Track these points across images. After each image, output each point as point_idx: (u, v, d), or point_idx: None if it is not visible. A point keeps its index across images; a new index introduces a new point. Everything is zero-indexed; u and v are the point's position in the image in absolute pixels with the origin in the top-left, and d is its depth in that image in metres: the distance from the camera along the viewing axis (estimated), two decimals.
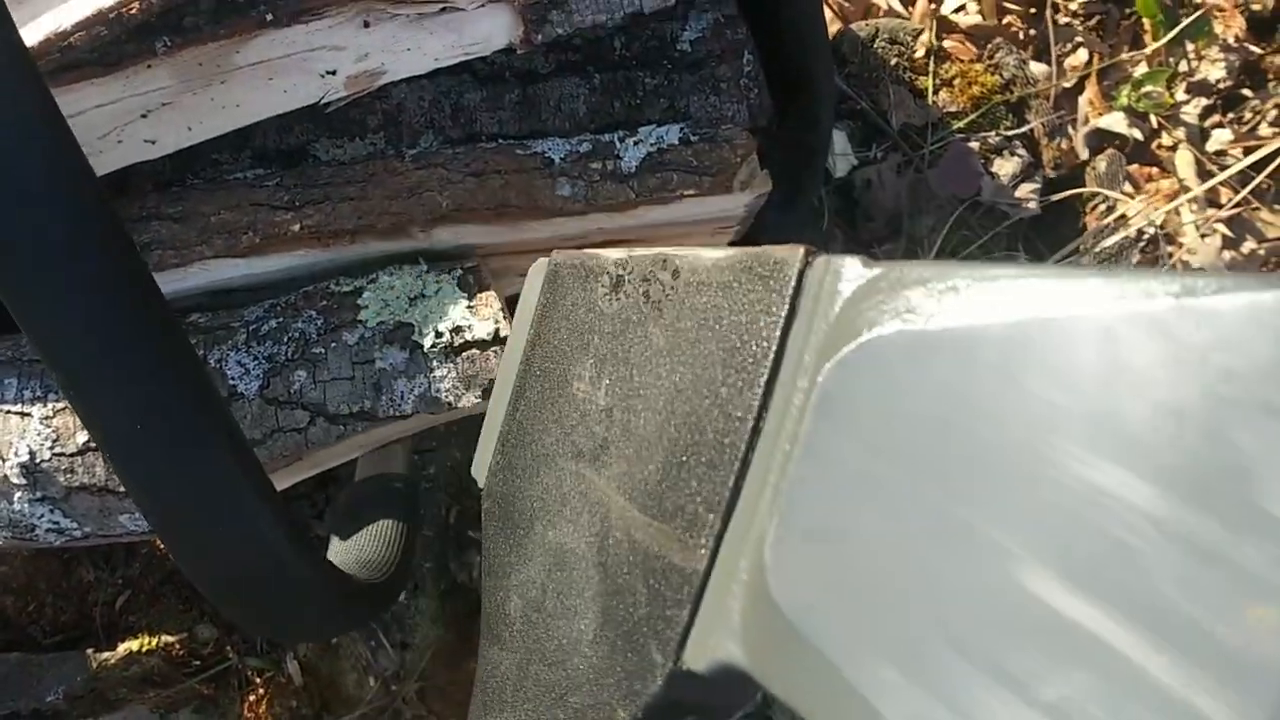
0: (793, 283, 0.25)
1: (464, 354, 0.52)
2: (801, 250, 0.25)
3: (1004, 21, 1.14)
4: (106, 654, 0.71)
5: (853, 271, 0.24)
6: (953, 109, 0.78)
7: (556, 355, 0.31)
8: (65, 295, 0.31)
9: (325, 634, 0.55)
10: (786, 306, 0.24)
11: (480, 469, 0.33)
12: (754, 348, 0.25)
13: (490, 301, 0.53)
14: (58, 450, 0.54)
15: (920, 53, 0.78)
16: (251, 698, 0.74)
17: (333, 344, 0.53)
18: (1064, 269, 0.21)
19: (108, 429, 0.33)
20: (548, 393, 0.31)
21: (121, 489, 0.54)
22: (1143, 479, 0.18)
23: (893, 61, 0.78)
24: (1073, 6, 1.15)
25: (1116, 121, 1.11)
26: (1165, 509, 0.17)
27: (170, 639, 0.73)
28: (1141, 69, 1.13)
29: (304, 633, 0.44)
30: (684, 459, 0.26)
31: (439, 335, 0.52)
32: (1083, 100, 1.09)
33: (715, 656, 0.24)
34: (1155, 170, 1.14)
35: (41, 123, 0.30)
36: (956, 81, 0.79)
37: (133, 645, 0.72)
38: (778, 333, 0.25)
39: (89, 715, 0.72)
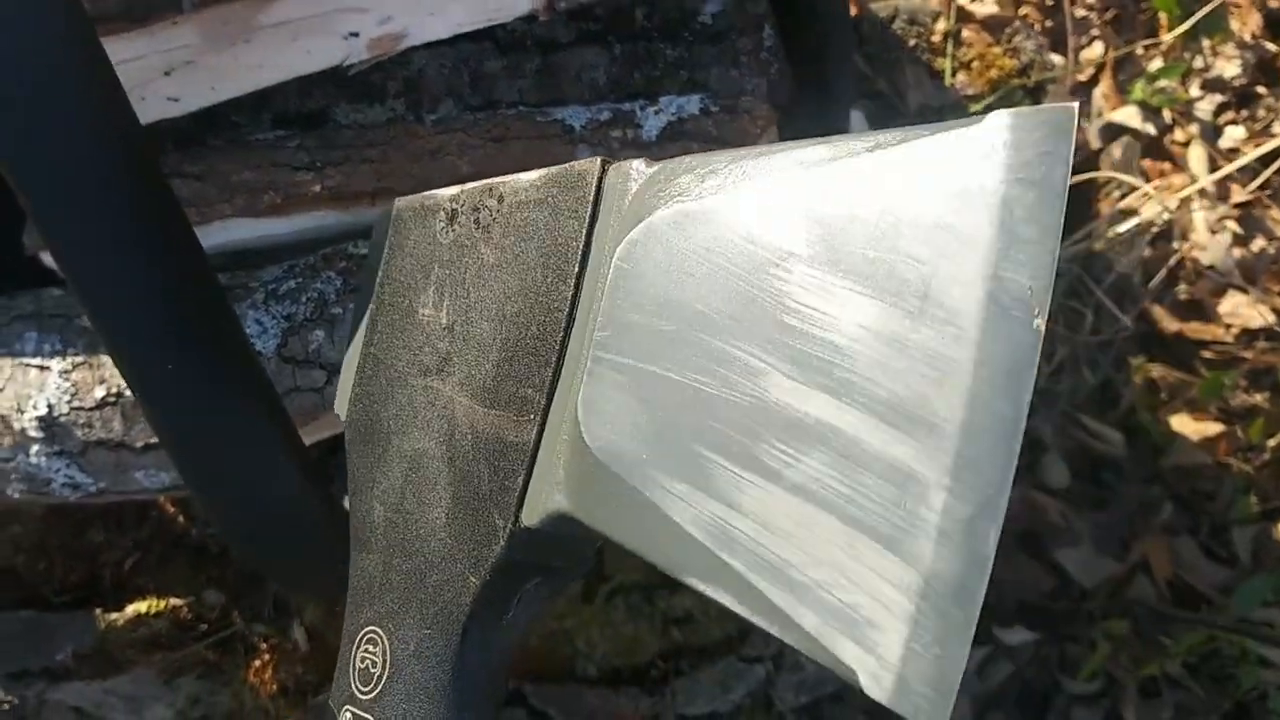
0: (593, 187, 0.29)
1: None
2: (599, 160, 0.29)
3: (1020, 12, 1.14)
4: (115, 615, 0.72)
5: (638, 170, 0.28)
6: (970, 91, 0.78)
7: (402, 288, 0.34)
8: (109, 240, 0.31)
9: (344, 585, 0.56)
10: (589, 208, 0.29)
11: (341, 403, 0.36)
12: (565, 247, 0.29)
13: None
14: (76, 404, 0.54)
15: (938, 35, 0.78)
16: (257, 663, 0.74)
17: (351, 305, 0.53)
18: (798, 141, 0.25)
19: (140, 369, 0.33)
20: (396, 323, 0.34)
21: (138, 444, 0.55)
22: (851, 292, 0.23)
23: (911, 42, 0.78)
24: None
25: (1130, 115, 1.11)
26: (868, 314, 0.22)
27: (178, 602, 0.73)
28: (1156, 63, 1.13)
29: (323, 582, 0.44)
30: (514, 353, 0.30)
31: None
32: (1097, 93, 1.09)
33: (546, 509, 0.28)
34: (1168, 165, 1.14)
35: (96, 72, 0.31)
36: (974, 64, 0.79)
37: (141, 607, 0.73)
38: (583, 231, 0.29)
39: (96, 676, 0.72)
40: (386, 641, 0.31)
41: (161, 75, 0.54)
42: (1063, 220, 0.21)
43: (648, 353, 0.26)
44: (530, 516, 0.29)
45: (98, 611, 0.72)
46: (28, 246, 0.57)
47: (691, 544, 0.24)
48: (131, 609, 0.73)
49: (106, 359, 0.55)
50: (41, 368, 0.55)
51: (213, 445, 0.35)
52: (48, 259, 0.59)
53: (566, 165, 0.30)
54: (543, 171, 0.31)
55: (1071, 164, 0.21)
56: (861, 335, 0.22)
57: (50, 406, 0.54)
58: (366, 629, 0.32)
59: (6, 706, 0.72)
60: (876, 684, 0.20)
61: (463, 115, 0.58)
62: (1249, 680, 0.97)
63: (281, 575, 0.41)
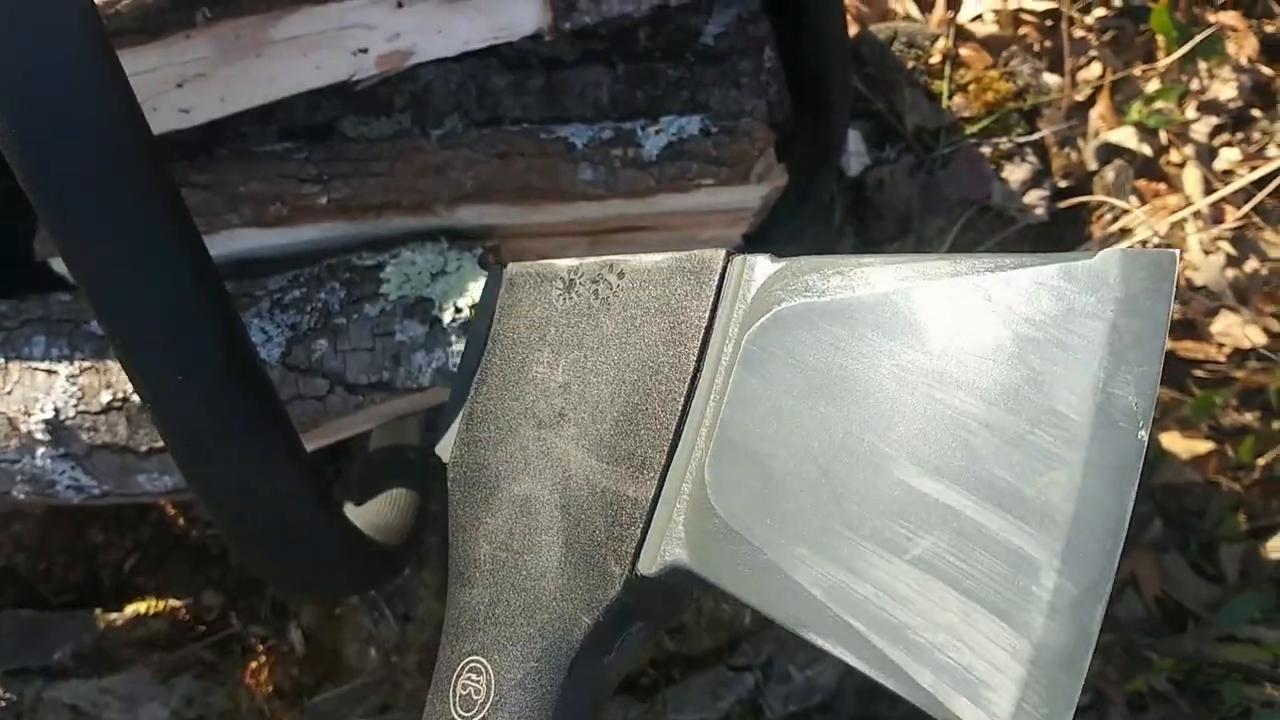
0: (717, 275, 0.32)
1: None
2: (723, 251, 0.33)
3: (1019, 32, 1.15)
4: (114, 615, 0.72)
5: (764, 265, 0.32)
6: (966, 114, 0.79)
7: (515, 345, 0.37)
8: (120, 247, 0.32)
9: (343, 589, 0.56)
10: (713, 293, 0.32)
11: (445, 447, 0.38)
12: (688, 325, 0.33)
13: None
14: (82, 408, 0.55)
15: (936, 57, 0.80)
16: (253, 664, 0.75)
17: (354, 315, 0.54)
18: (917, 255, 0.28)
19: (150, 378, 0.34)
20: (509, 377, 0.37)
21: (142, 449, 0.56)
22: (972, 394, 0.26)
23: (909, 65, 0.80)
24: (1088, 20, 1.16)
25: (1126, 136, 1.12)
26: (988, 414, 0.25)
27: (176, 603, 0.74)
28: (1153, 85, 1.14)
29: (323, 586, 0.45)
30: (634, 416, 0.33)
31: (458, 311, 0.54)
32: (1094, 113, 1.10)
33: (664, 561, 0.31)
34: (1163, 186, 1.15)
35: (111, 83, 0.32)
36: (971, 87, 0.80)
37: (140, 607, 0.73)
38: (706, 312, 0.32)
39: (94, 674, 0.73)
40: (491, 672, 0.33)
41: (174, 87, 0.55)
42: (1164, 348, 0.23)
43: (776, 429, 0.29)
44: (647, 566, 0.31)
45: (97, 611, 0.73)
46: (38, 252, 0.58)
47: (812, 603, 0.27)
48: (130, 609, 0.74)
49: (113, 364, 0.56)
50: (49, 372, 0.56)
51: (218, 451, 0.36)
52: (57, 265, 0.60)
53: (692, 252, 0.34)
54: (667, 255, 0.34)
55: (1172, 302, 0.24)
56: (982, 431, 0.25)
57: (57, 410, 0.55)
58: (470, 658, 0.34)
59: (4, 704, 0.72)
60: None
61: (468, 131, 0.59)
62: (1233, 697, 0.98)
63: (282, 579, 0.42)
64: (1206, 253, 1.14)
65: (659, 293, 0.34)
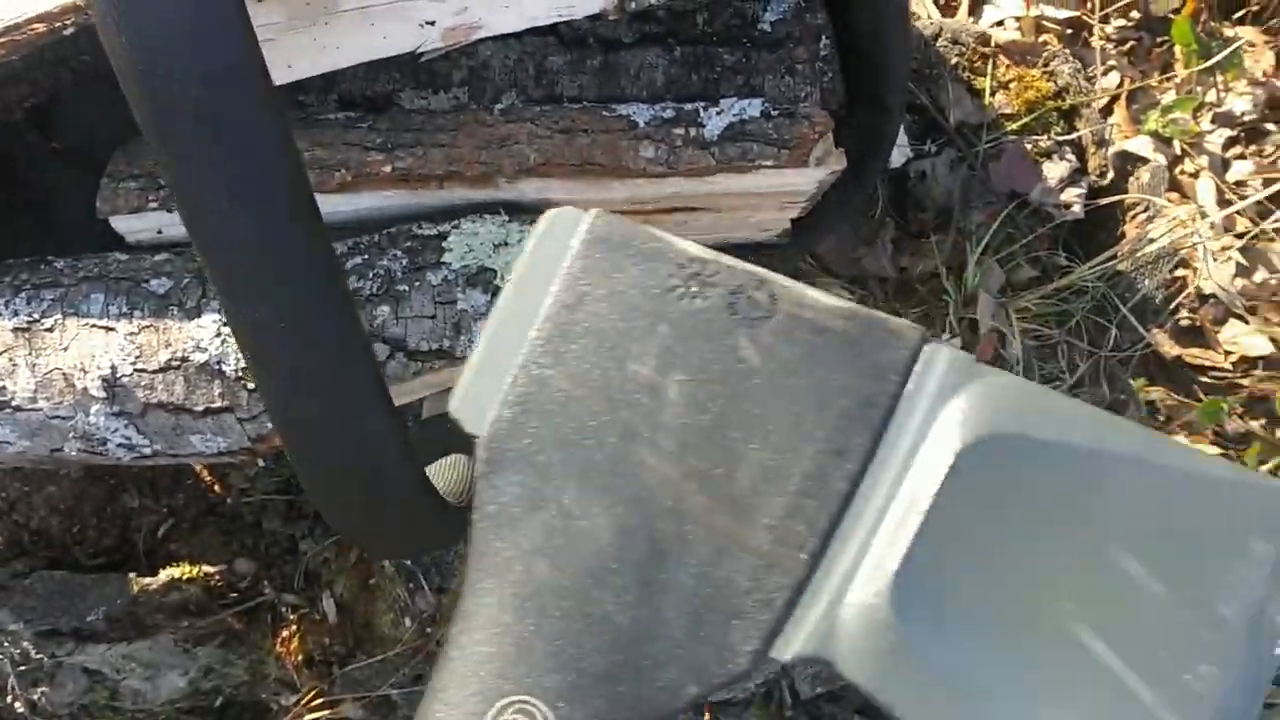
0: (912, 354, 0.30)
1: None
2: (920, 330, 0.30)
3: (1041, 40, 1.17)
4: (148, 579, 0.72)
5: (962, 364, 0.30)
6: (1007, 111, 0.81)
7: (603, 327, 0.31)
8: (245, 197, 0.33)
9: (415, 547, 0.57)
10: (902, 373, 0.30)
11: (472, 414, 0.31)
12: (869, 400, 0.30)
13: None
14: (140, 366, 0.55)
15: (978, 55, 0.81)
16: (284, 633, 0.75)
17: (416, 283, 0.55)
18: (1133, 424, 0.30)
19: (256, 325, 0.35)
20: (587, 359, 0.31)
21: (199, 408, 0.56)
22: (1156, 576, 0.28)
23: (953, 61, 0.81)
24: (1107, 30, 1.18)
25: (1143, 145, 1.14)
26: (1165, 596, 0.28)
27: (210, 570, 0.74)
28: (1170, 96, 1.16)
29: (399, 541, 0.46)
30: (780, 478, 0.30)
31: None
32: (1111, 122, 1.12)
33: (809, 653, 0.29)
34: (1176, 195, 1.18)
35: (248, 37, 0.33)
36: (1013, 85, 0.82)
37: (174, 573, 0.73)
38: (892, 394, 0.30)
39: (124, 639, 0.73)
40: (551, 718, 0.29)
41: None
42: None
43: (968, 558, 0.29)
44: (783, 651, 0.29)
45: (130, 575, 0.73)
46: (99, 210, 0.58)
47: None
48: (165, 574, 0.74)
49: (173, 323, 0.56)
50: (107, 329, 0.56)
51: (312, 396, 0.36)
52: (118, 223, 0.60)
53: (879, 315, 0.30)
54: (842, 303, 0.31)
55: None
56: (1156, 612, 0.28)
57: (114, 367, 0.55)
58: (520, 698, 0.29)
59: (25, 666, 0.72)
60: None
61: (529, 106, 0.60)
62: None
63: (367, 535, 0.42)
64: (1217, 261, 1.16)
65: (833, 349, 0.30)
